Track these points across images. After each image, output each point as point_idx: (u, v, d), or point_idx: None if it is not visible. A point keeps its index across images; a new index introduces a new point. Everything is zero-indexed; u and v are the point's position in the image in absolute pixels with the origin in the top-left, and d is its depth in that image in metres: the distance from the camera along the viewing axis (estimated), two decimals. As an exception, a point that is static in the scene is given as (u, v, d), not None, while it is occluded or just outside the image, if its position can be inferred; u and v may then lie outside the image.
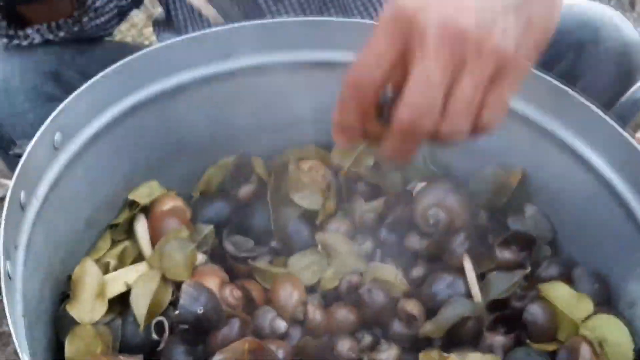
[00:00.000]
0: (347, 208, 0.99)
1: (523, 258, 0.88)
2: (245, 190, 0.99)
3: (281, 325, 0.86)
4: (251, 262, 0.92)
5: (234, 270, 0.93)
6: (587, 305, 0.81)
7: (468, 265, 0.90)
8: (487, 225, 0.93)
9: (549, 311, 0.81)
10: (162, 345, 0.80)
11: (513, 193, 0.94)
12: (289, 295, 0.89)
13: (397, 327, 0.90)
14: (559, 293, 0.83)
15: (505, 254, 0.88)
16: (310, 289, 0.93)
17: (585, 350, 0.77)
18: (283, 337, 0.86)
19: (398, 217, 0.96)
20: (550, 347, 0.81)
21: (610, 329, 0.77)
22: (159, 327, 0.80)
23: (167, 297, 0.83)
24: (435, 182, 0.96)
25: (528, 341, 0.81)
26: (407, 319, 0.89)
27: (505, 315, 0.83)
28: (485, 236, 0.92)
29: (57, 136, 0.78)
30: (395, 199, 0.97)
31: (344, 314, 0.91)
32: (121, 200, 0.92)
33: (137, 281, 0.83)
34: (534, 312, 0.81)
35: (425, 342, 0.87)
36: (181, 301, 0.77)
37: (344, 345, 0.89)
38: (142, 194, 0.93)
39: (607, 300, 0.85)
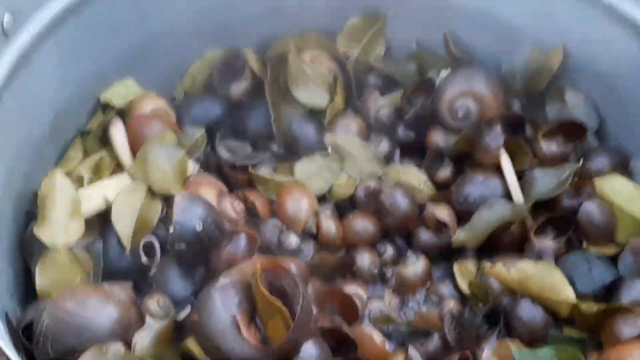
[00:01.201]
0: (359, 104, 0.85)
1: (571, 150, 0.75)
2: (237, 88, 0.84)
3: (292, 239, 0.74)
4: (252, 170, 0.78)
5: (231, 180, 0.79)
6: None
7: (505, 162, 0.77)
8: (523, 115, 0.80)
9: (606, 209, 0.69)
10: (153, 270, 0.67)
11: (552, 76, 0.80)
12: (299, 205, 0.76)
13: (425, 236, 0.77)
14: (617, 187, 0.71)
15: (552, 147, 0.75)
16: (321, 199, 0.80)
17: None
18: (295, 253, 0.74)
19: (419, 111, 0.82)
20: (610, 249, 0.69)
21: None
22: (149, 248, 0.67)
23: (156, 213, 0.70)
24: (462, 68, 0.82)
25: (584, 245, 0.69)
26: (436, 226, 0.77)
27: (555, 217, 0.71)
28: (523, 128, 0.78)
29: (7, 18, 0.63)
30: (414, 91, 0.83)
31: (362, 225, 0.78)
32: (92, 102, 0.77)
33: (119, 196, 0.69)
34: (590, 210, 0.69)
35: (458, 253, 0.76)
36: (175, 216, 0.63)
37: (364, 259, 0.77)
38: (116, 95, 0.78)
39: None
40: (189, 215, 0.63)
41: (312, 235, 0.76)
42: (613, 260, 0.68)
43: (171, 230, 0.63)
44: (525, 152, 0.76)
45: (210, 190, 0.73)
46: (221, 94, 0.84)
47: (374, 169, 0.81)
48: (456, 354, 0.63)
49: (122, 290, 0.63)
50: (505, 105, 0.81)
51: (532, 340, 0.65)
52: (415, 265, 0.76)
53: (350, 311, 0.70)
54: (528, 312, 0.65)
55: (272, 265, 0.61)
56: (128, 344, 0.60)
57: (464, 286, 0.72)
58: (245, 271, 0.61)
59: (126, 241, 0.66)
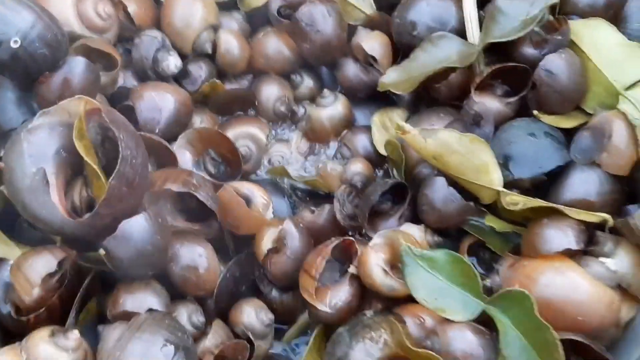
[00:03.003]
0: None
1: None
2: None
3: (171, 62, 0.58)
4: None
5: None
6: (638, 64, 0.50)
7: (466, -18, 0.57)
8: None
9: (577, 66, 0.51)
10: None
11: None
12: (189, 12, 0.59)
13: (350, 70, 0.61)
14: (599, 37, 0.52)
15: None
16: (231, 6, 0.62)
17: (618, 131, 0.48)
18: (177, 79, 0.59)
19: None
20: (570, 121, 0.52)
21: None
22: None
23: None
24: None
25: (536, 112, 0.52)
26: (365, 59, 0.60)
27: (507, 67, 0.53)
28: None
29: None
30: None
31: (274, 46, 0.61)
32: None
33: None
34: (554, 65, 0.51)
35: (385, 99, 0.59)
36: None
37: (271, 92, 0.61)
38: None
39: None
40: (2, 26, 0.47)
41: (208, 55, 0.60)
42: (571, 135, 0.51)
43: (-26, 47, 0.47)
44: (495, -27, 0.56)
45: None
46: None
47: (301, -30, 0.62)
48: (337, 239, 0.50)
49: None
50: None
51: (443, 227, 0.52)
52: (331, 108, 0.60)
53: (233, 160, 0.57)
54: (440, 194, 0.51)
55: (96, 110, 0.46)
56: None
57: (379, 145, 0.57)
58: (71, 110, 0.47)
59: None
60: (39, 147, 0.45)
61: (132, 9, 0.58)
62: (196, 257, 0.49)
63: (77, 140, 0.45)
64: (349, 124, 0.61)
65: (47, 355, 0.42)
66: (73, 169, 0.47)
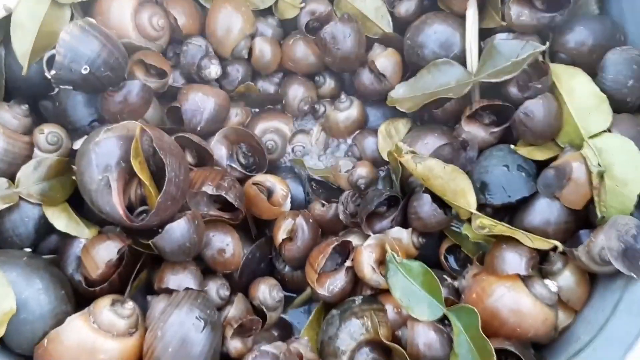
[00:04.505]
0: None
1: (549, 21, 0.62)
2: None
3: (212, 69, 0.68)
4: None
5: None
6: (606, 115, 0.59)
7: (471, 15, 0.65)
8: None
9: (553, 111, 0.60)
10: (56, 90, 0.64)
11: None
12: (230, 24, 0.68)
13: (366, 79, 0.70)
14: (575, 85, 0.60)
15: (523, 17, 0.62)
16: (267, 12, 0.71)
17: (577, 174, 0.58)
18: (218, 79, 0.69)
19: None
20: (543, 152, 0.61)
21: (622, 158, 0.57)
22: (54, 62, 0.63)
23: (62, 24, 0.64)
24: None
25: (513, 147, 0.62)
26: (378, 71, 0.69)
27: (494, 105, 0.62)
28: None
29: None
30: None
31: (302, 52, 0.71)
32: None
33: (20, 4, 0.62)
34: (532, 109, 0.59)
35: (393, 108, 0.69)
36: (58, 57, 0.58)
37: (297, 93, 0.72)
38: None
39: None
40: (74, 56, 0.58)
41: (244, 58, 0.70)
42: (542, 165, 0.61)
43: (52, 72, 0.58)
44: (496, 11, 0.63)
45: (127, -1, 0.65)
46: None
47: (330, -19, 0.70)
48: (337, 239, 0.62)
49: (12, 118, 0.62)
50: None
51: (427, 232, 0.63)
52: (346, 112, 0.70)
53: (261, 153, 0.68)
54: (425, 208, 0.61)
55: (154, 131, 0.57)
56: (13, 179, 0.61)
57: (383, 152, 0.68)
58: (129, 127, 0.59)
59: (23, 59, 0.62)
60: (104, 157, 0.57)
61: (181, 21, 0.67)
62: (224, 244, 0.62)
63: (133, 159, 0.57)
64: (361, 125, 0.71)
65: (109, 320, 0.56)
66: (130, 173, 0.59)
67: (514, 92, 0.61)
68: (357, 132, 0.71)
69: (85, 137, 0.61)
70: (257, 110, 0.73)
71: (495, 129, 0.63)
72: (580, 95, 0.60)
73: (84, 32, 0.59)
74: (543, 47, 0.60)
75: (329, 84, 0.72)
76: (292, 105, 0.71)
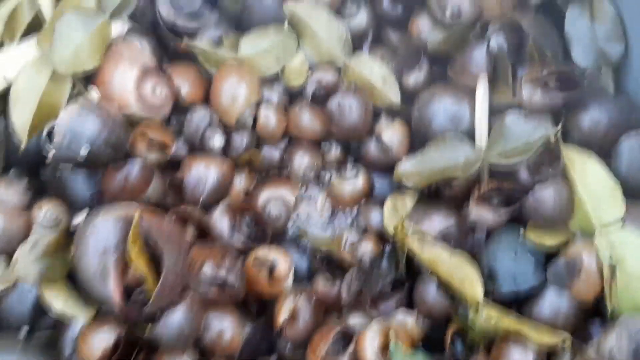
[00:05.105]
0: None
1: (563, 101, 0.60)
2: None
3: (216, 138, 0.67)
4: (188, 42, 0.67)
5: (170, 46, 0.69)
6: (619, 205, 0.57)
7: (482, 91, 0.63)
8: (531, 27, 0.62)
9: (564, 198, 0.58)
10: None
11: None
12: (235, 93, 0.66)
13: (372, 150, 0.68)
14: (588, 170, 0.58)
15: (536, 97, 0.60)
16: (273, 80, 0.70)
17: (588, 267, 0.56)
18: (225, 151, 0.68)
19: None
20: (554, 239, 0.59)
21: (636, 253, 0.55)
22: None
23: (63, 96, 0.63)
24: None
25: (522, 232, 0.60)
26: (383, 144, 0.67)
27: (503, 188, 0.60)
28: (523, 46, 0.62)
29: None
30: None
31: (308, 120, 0.69)
32: None
33: (19, 76, 0.62)
34: (542, 196, 0.57)
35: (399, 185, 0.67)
36: (56, 137, 0.57)
37: (303, 160, 0.70)
38: None
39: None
40: (74, 136, 0.57)
41: (248, 127, 0.69)
42: (551, 254, 0.59)
43: (51, 154, 0.57)
44: (507, 86, 0.62)
45: (130, 68, 0.64)
46: None
47: (336, 54, 0.68)
48: (340, 327, 0.61)
49: (11, 194, 0.61)
50: (511, 10, 0.63)
51: (433, 317, 0.62)
52: (352, 182, 0.69)
53: (261, 228, 0.67)
54: (431, 294, 0.60)
55: (153, 217, 0.56)
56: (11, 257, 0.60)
57: (389, 227, 0.66)
58: (129, 210, 0.57)
59: (22, 132, 0.61)
60: (102, 242, 0.56)
61: (184, 90, 0.66)
62: (223, 326, 0.61)
63: (131, 244, 0.55)
64: (367, 194, 0.69)
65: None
66: (129, 256, 0.58)
67: (524, 175, 0.59)
68: (363, 200, 0.69)
69: (86, 214, 0.60)
70: (262, 173, 0.71)
71: (504, 210, 0.61)
72: (593, 182, 0.58)
73: (84, 111, 0.58)
74: (556, 130, 0.58)
75: (335, 150, 0.70)
76: (297, 172, 0.70)
